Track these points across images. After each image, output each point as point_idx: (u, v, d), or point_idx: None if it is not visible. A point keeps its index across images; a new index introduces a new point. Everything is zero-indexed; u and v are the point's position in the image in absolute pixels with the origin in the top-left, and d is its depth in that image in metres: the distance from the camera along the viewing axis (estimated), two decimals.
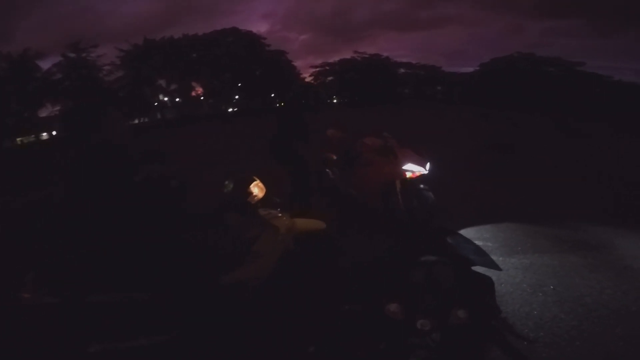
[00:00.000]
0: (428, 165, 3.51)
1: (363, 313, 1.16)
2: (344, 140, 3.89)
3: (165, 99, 33.09)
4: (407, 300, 1.12)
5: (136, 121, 30.20)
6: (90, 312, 1.48)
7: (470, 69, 35.41)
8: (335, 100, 36.42)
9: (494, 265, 1.34)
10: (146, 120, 31.49)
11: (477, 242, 3.53)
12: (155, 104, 32.33)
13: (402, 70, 36.61)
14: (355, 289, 1.30)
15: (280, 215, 2.18)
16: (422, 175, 3.51)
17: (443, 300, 1.12)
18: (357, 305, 1.20)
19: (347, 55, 37.81)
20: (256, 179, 2.17)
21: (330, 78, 35.74)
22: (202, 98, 34.05)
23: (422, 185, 3.56)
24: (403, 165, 3.46)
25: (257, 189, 2.14)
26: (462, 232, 3.82)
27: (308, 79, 36.19)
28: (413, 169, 3.47)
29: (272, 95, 34.13)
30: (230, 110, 32.17)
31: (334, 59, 38.31)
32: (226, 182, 2.12)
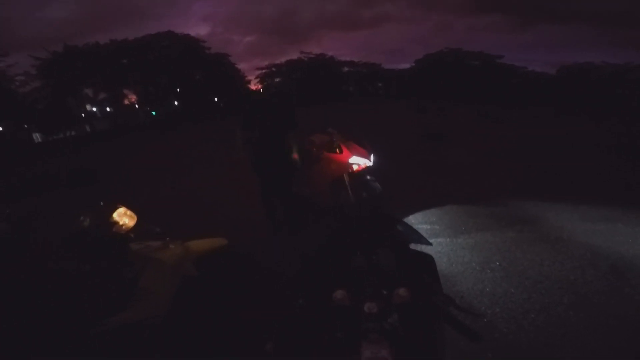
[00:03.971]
0: (372, 157, 3.58)
1: (314, 305, 1.14)
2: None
3: (94, 109, 30.28)
4: (351, 286, 1.11)
5: (61, 135, 27.19)
6: None
7: (407, 65, 37.72)
8: None
9: (425, 241, 1.40)
10: (73, 134, 28.54)
11: (425, 226, 3.67)
12: (83, 115, 29.42)
13: (345, 68, 37.84)
14: (305, 282, 1.25)
15: (164, 245, 1.94)
16: (368, 167, 3.56)
17: (385, 281, 1.13)
18: (309, 298, 1.15)
19: (294, 56, 38.07)
20: (120, 206, 1.86)
21: (277, 79, 35.62)
22: (136, 106, 31.72)
23: (368, 177, 3.61)
24: (349, 159, 3.49)
25: (124, 218, 1.84)
26: (410, 217, 3.96)
27: (254, 82, 35.75)
28: (359, 162, 3.51)
29: (215, 100, 32.99)
30: (166, 117, 30.34)
31: (281, 60, 38.36)
32: (80, 218, 1.77)
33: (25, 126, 27.13)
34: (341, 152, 3.53)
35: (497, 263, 2.90)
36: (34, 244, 1.79)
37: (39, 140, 28.60)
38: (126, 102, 31.20)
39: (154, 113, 30.99)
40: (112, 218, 1.81)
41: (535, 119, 13.94)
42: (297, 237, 3.21)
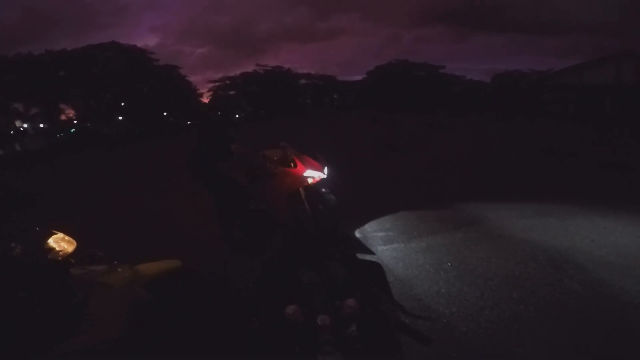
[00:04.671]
0: (326, 170, 3.64)
1: (269, 322, 1.15)
2: (246, 155, 3.78)
3: (25, 125, 27.45)
4: (303, 301, 1.13)
5: None
6: None
7: (360, 77, 39.05)
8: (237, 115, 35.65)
9: (368, 251, 1.47)
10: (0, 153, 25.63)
11: (380, 233, 3.76)
12: (12, 132, 26.53)
13: (303, 81, 38.14)
14: (257, 299, 1.25)
15: (111, 268, 1.90)
16: (322, 180, 3.62)
17: (336, 293, 1.16)
18: (263, 315, 1.15)
19: (249, 68, 37.56)
20: (56, 232, 1.85)
21: (231, 92, 34.86)
22: (75, 122, 29.25)
23: (323, 190, 3.66)
24: (304, 172, 3.52)
25: (61, 244, 1.82)
26: (366, 225, 4.06)
27: (206, 95, 34.65)
28: (313, 175, 3.54)
29: (165, 114, 31.48)
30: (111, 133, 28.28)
31: (235, 72, 37.52)
32: (12, 244, 1.74)
33: None
34: (295, 166, 3.54)
35: (449, 264, 3.05)
36: None
37: None
38: (63, 117, 28.67)
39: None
40: (48, 244, 1.77)
41: (476, 126, 15.19)
42: (255, 255, 3.15)
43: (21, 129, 27.49)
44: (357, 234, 3.80)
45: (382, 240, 3.60)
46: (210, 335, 2.08)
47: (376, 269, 1.34)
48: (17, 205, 6.48)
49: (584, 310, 2.38)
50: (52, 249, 1.77)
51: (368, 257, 1.40)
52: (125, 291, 1.83)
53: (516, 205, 4.56)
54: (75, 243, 1.87)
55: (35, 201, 6.60)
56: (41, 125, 27.81)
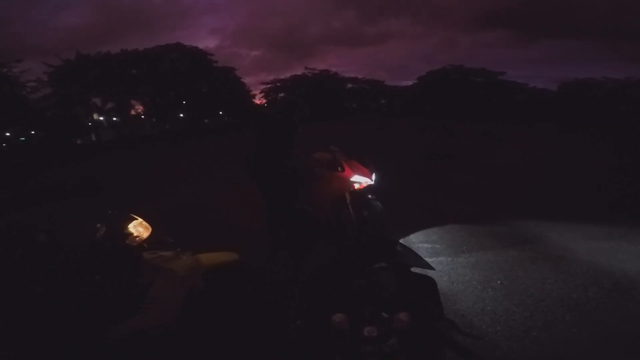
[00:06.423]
0: (374, 176, 3.60)
1: (312, 327, 1.15)
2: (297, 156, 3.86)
3: (101, 118, 30.70)
4: (351, 309, 1.12)
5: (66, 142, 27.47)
6: None
7: (410, 82, 37.87)
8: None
9: (428, 266, 1.41)
10: (78, 142, 28.94)
11: (426, 245, 3.68)
12: (90, 124, 29.84)
13: (349, 85, 38.04)
14: (302, 303, 1.27)
15: (176, 255, 2.00)
16: (369, 186, 3.58)
17: (385, 304, 1.14)
18: (306, 320, 1.17)
19: (299, 71, 38.27)
20: (137, 217, 1.96)
21: (281, 94, 35.93)
22: (142, 117, 32.11)
23: (370, 196, 3.62)
24: (351, 177, 3.52)
25: (139, 229, 1.92)
26: (411, 236, 3.97)
27: (259, 96, 36.08)
28: (361, 180, 3.52)
29: (220, 113, 33.33)
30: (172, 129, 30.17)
31: (286, 75, 38.44)
32: (98, 225, 1.87)
33: (33, 133, 27.48)
34: (343, 170, 3.54)
35: (499, 282, 2.89)
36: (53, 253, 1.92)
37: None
38: (133, 112, 31.59)
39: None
40: (127, 230, 1.88)
41: (538, 137, 14.03)
42: (299, 257, 3.21)
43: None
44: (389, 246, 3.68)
45: (427, 252, 3.50)
46: (251, 332, 2.13)
47: (429, 283, 1.31)
48: (91, 190, 7.30)
49: None
50: (130, 234, 1.88)
51: (419, 270, 1.36)
52: (186, 278, 1.91)
53: (583, 226, 4.16)
54: (150, 229, 1.97)
55: (104, 188, 7.37)
56: (114, 119, 30.88)
